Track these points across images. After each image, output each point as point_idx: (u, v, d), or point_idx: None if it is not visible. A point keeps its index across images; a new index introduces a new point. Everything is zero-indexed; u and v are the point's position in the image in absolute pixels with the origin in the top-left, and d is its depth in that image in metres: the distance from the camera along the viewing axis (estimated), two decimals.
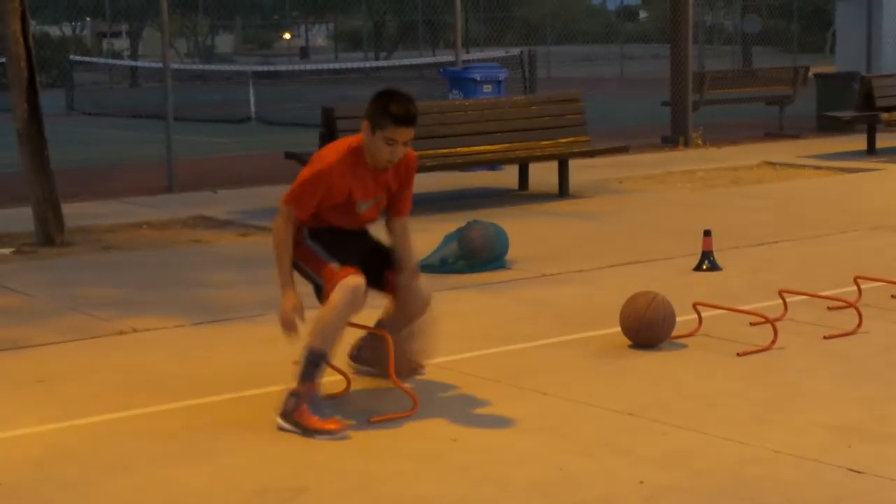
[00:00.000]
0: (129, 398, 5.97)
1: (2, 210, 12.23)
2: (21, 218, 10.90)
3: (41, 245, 10.33)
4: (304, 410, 5.43)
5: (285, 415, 5.48)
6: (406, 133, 5.57)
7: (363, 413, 5.66)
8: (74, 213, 11.35)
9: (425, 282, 5.96)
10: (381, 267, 5.80)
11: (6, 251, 10.13)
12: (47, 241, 10.37)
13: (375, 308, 5.96)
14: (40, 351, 6.95)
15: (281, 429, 5.46)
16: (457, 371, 6.35)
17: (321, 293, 5.63)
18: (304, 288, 5.70)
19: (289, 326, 5.56)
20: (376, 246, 5.90)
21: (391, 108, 5.51)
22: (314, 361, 5.50)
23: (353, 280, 5.51)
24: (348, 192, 5.62)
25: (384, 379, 5.87)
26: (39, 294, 8.41)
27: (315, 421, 5.41)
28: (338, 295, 5.48)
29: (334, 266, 5.59)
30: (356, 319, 5.74)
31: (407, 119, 5.54)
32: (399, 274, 5.79)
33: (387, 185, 5.77)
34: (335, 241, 5.69)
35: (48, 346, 7.06)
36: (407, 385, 5.82)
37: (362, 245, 5.82)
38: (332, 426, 5.41)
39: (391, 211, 5.88)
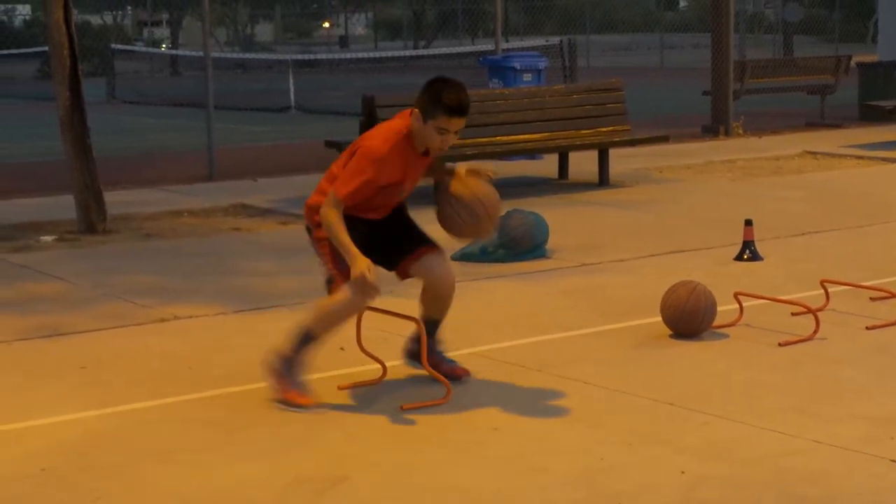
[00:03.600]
0: (169, 385, 6.01)
1: (44, 198, 12.31)
2: (63, 206, 10.97)
3: (83, 233, 10.39)
4: (284, 381, 5.61)
5: (271, 370, 5.67)
6: (458, 123, 5.50)
7: (399, 402, 5.67)
8: (116, 200, 11.41)
9: (454, 267, 5.99)
10: (400, 252, 5.78)
11: (49, 238, 10.20)
12: (89, 229, 10.43)
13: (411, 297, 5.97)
14: (82, 338, 7.00)
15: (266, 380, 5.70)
16: (497, 360, 6.35)
17: (330, 286, 5.66)
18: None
19: (364, 287, 5.37)
20: (401, 231, 5.81)
21: (444, 98, 5.42)
22: (305, 339, 5.63)
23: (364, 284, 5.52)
24: (394, 178, 5.55)
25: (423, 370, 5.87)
26: (81, 281, 8.46)
27: (293, 394, 5.59)
28: (346, 294, 5.49)
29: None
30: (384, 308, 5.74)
31: (460, 109, 5.46)
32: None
33: (424, 166, 5.73)
34: (357, 239, 5.53)
35: (90, 332, 7.10)
36: (442, 375, 5.83)
37: (384, 235, 5.70)
38: (303, 401, 5.57)
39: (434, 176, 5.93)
